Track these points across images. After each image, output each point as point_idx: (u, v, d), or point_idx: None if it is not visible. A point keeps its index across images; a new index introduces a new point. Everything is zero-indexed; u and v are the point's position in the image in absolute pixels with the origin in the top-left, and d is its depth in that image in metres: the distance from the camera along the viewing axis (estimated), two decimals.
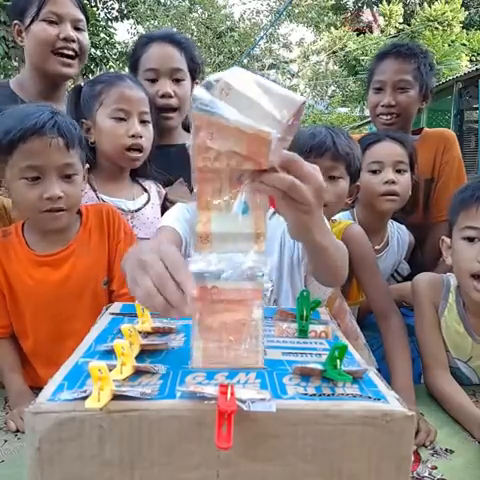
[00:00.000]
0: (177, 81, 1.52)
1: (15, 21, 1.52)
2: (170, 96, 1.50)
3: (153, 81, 1.51)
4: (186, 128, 1.64)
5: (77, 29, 1.52)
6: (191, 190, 0.71)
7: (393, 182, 1.44)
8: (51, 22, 1.47)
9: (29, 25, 1.48)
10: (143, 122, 1.35)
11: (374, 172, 1.46)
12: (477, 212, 1.09)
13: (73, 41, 1.49)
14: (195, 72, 1.58)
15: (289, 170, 0.64)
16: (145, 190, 1.43)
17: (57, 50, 1.49)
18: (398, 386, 1.10)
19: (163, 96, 1.50)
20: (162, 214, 1.43)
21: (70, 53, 1.50)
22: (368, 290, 1.33)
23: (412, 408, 1.07)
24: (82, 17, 1.54)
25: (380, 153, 1.47)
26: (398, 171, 1.46)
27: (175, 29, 16.41)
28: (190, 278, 0.58)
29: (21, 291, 1.14)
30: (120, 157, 1.34)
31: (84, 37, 1.54)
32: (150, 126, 1.38)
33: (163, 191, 1.47)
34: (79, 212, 1.19)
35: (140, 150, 1.33)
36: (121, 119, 1.32)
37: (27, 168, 1.04)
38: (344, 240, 1.30)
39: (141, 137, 1.32)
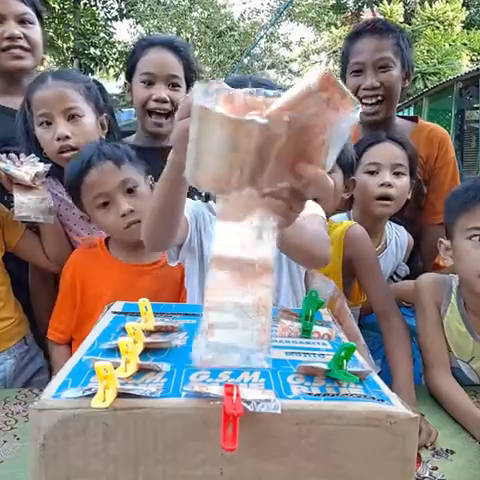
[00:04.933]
0: (173, 87, 1.53)
1: None
2: (164, 101, 1.51)
3: (149, 84, 1.51)
4: None
5: (24, 23, 1.47)
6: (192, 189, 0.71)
7: (389, 185, 1.41)
8: None
9: None
10: (72, 118, 1.32)
11: (371, 173, 1.44)
12: None
13: (19, 38, 1.46)
14: (191, 79, 1.58)
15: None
16: None
17: (4, 50, 1.46)
18: (399, 386, 1.11)
19: (157, 100, 1.50)
20: None
21: (17, 51, 1.47)
22: (369, 291, 1.33)
23: (413, 409, 1.07)
24: (27, 10, 1.48)
25: (378, 154, 1.44)
26: (396, 174, 1.44)
27: (175, 28, 16.40)
28: None
29: (96, 297, 1.22)
30: (57, 161, 1.33)
31: (33, 31, 1.50)
32: (82, 119, 1.33)
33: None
34: None
35: (72, 148, 1.30)
36: (47, 123, 1.31)
37: (94, 199, 1.20)
38: (346, 241, 1.30)
39: (68, 137, 1.30)
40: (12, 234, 1.34)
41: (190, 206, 1.07)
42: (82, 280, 1.27)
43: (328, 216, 1.29)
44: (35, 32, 1.51)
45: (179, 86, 1.54)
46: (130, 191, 1.21)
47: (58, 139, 1.29)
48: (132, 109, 2.91)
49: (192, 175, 0.56)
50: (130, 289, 1.19)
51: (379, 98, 1.55)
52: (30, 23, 1.49)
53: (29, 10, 1.49)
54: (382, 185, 1.42)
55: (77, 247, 1.37)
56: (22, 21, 1.47)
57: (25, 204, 1.24)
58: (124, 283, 1.22)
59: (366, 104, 1.56)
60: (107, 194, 1.19)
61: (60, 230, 1.37)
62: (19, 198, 1.24)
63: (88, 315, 1.22)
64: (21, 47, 1.47)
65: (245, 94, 0.54)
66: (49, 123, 1.31)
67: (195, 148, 0.54)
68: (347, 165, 1.29)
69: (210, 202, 1.15)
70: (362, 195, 1.44)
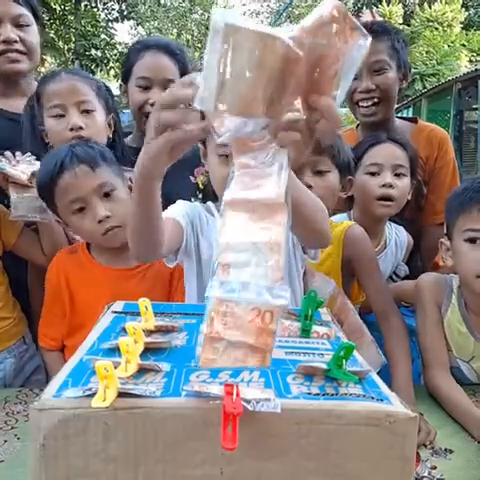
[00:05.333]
0: None
1: None
2: None
3: (145, 88, 1.52)
4: None
5: (20, 26, 1.45)
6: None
7: (390, 186, 1.42)
8: None
9: None
10: (86, 112, 1.33)
11: (372, 174, 1.44)
12: (478, 214, 1.10)
13: (15, 42, 1.43)
14: None
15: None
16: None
17: (0, 53, 1.43)
18: (398, 386, 1.11)
19: (153, 105, 1.49)
20: None
21: (14, 55, 1.45)
22: (369, 291, 1.34)
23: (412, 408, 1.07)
24: (24, 12, 1.46)
25: (379, 155, 1.45)
26: (397, 175, 1.44)
27: (175, 30, 16.41)
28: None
29: (84, 304, 1.20)
30: None
31: (30, 33, 1.48)
32: (94, 114, 1.35)
33: None
34: None
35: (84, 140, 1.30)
36: (61, 115, 1.31)
37: (69, 204, 1.15)
38: (346, 241, 1.31)
39: (81, 128, 1.30)
40: (10, 233, 1.35)
41: (185, 210, 1.07)
42: (68, 286, 1.23)
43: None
44: (32, 34, 1.48)
45: None
46: (107, 195, 1.16)
47: (71, 129, 1.29)
48: None
49: (215, 99, 0.55)
50: (117, 295, 1.15)
51: (375, 100, 1.56)
52: (26, 25, 1.47)
53: (25, 11, 1.46)
54: (383, 186, 1.42)
55: (74, 244, 1.36)
56: (18, 24, 1.45)
57: (22, 203, 1.24)
58: (110, 289, 1.18)
59: (363, 106, 1.57)
60: (83, 199, 1.15)
61: (58, 228, 1.36)
62: (15, 197, 1.24)
63: (79, 323, 1.21)
64: (17, 51, 1.45)
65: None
66: (62, 115, 1.31)
67: (217, 71, 0.54)
68: (343, 165, 1.29)
69: (209, 203, 1.15)
70: (363, 196, 1.45)
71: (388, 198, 1.43)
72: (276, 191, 0.60)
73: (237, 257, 0.59)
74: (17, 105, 1.49)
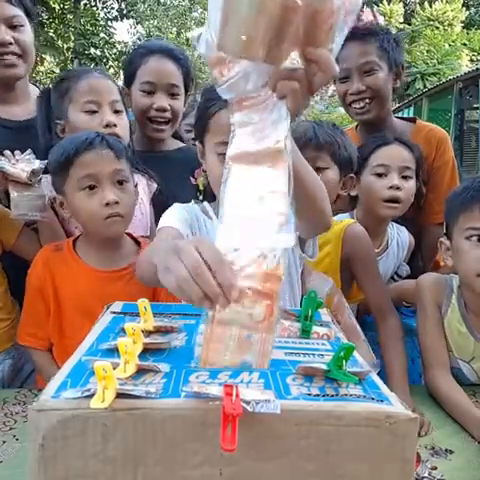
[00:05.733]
0: (172, 96, 1.55)
1: None
2: (165, 110, 1.53)
3: (149, 93, 1.53)
4: (175, 136, 1.69)
5: (14, 27, 1.42)
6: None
7: (397, 188, 1.42)
8: None
9: None
10: (116, 112, 1.35)
11: (379, 175, 1.44)
12: (479, 213, 1.10)
13: (10, 44, 1.40)
14: (188, 86, 1.62)
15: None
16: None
17: None
18: (393, 385, 1.12)
19: (158, 109, 1.52)
20: (154, 208, 1.45)
21: (9, 57, 1.42)
22: (367, 290, 1.34)
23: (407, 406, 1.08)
24: (17, 12, 1.42)
25: (387, 156, 1.44)
26: (404, 177, 1.44)
27: (175, 29, 16.40)
28: (228, 269, 0.57)
29: (69, 303, 1.19)
30: None
31: (24, 34, 1.45)
32: (123, 115, 1.38)
33: (154, 185, 1.48)
34: (138, 243, 1.27)
35: (117, 137, 1.31)
36: (93, 112, 1.33)
37: (84, 178, 1.14)
38: (345, 239, 1.30)
39: (115, 126, 1.32)
40: (9, 233, 1.34)
41: (182, 215, 1.06)
42: (53, 283, 1.21)
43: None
44: (26, 35, 1.45)
45: (179, 95, 1.56)
46: (120, 183, 1.18)
47: (106, 126, 1.31)
48: None
49: (218, 40, 0.58)
50: (102, 297, 1.08)
51: (367, 101, 1.57)
52: (20, 25, 1.44)
53: (19, 12, 1.43)
54: (391, 188, 1.42)
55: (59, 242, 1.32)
56: (12, 25, 1.41)
57: (22, 201, 1.23)
58: (95, 290, 1.17)
59: (355, 108, 1.59)
60: (97, 178, 1.15)
61: (58, 226, 1.35)
62: (15, 196, 1.23)
63: (62, 322, 1.20)
64: (13, 53, 1.42)
65: None
66: (94, 111, 1.33)
67: (221, 12, 0.56)
68: (344, 162, 1.29)
69: (205, 203, 1.14)
70: (369, 197, 1.45)
71: (395, 200, 1.43)
72: (275, 139, 0.62)
73: (241, 210, 0.62)
74: (13, 112, 1.48)
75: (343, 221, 1.35)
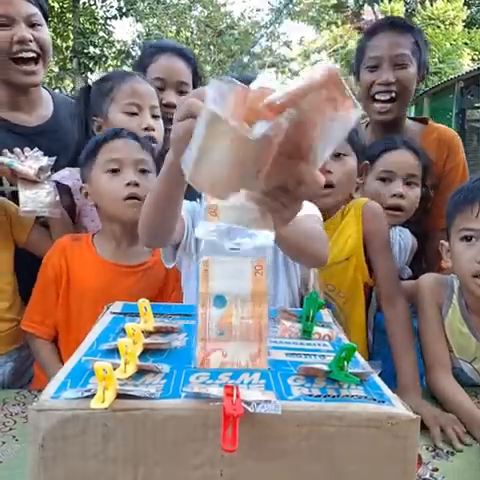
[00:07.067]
0: (181, 93, 1.57)
1: None
2: (174, 106, 1.53)
3: (159, 89, 1.54)
4: None
5: (33, 26, 1.41)
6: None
7: (401, 196, 1.40)
8: (2, 25, 1.36)
9: None
10: (154, 117, 1.40)
11: (383, 180, 1.42)
12: (472, 213, 1.10)
13: (30, 41, 1.39)
14: (196, 85, 1.63)
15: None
16: None
17: (15, 55, 1.39)
18: (405, 377, 1.13)
19: (167, 106, 1.52)
20: None
21: (30, 55, 1.40)
22: (378, 270, 1.28)
23: (419, 399, 1.09)
24: (35, 10, 1.42)
25: (393, 162, 1.42)
26: (408, 184, 1.42)
27: (174, 27, 16.39)
28: None
29: (79, 293, 1.22)
30: None
31: (43, 32, 1.44)
32: (160, 120, 1.43)
33: None
34: None
35: (153, 143, 1.36)
36: (133, 113, 1.37)
37: (109, 161, 1.21)
38: (365, 217, 1.27)
39: (153, 130, 1.37)
40: (21, 229, 1.34)
41: (186, 207, 1.06)
42: (67, 271, 1.24)
43: (341, 204, 1.28)
44: (45, 34, 1.45)
45: (187, 92, 1.57)
46: (142, 171, 1.23)
47: (146, 129, 1.35)
48: None
49: (190, 174, 0.56)
50: (112, 288, 1.18)
51: (393, 95, 1.51)
52: (39, 25, 1.43)
53: (37, 11, 1.43)
54: (394, 195, 1.40)
55: (88, 232, 1.35)
56: (31, 23, 1.41)
57: (30, 199, 1.24)
58: (105, 283, 1.21)
59: (379, 100, 1.52)
60: (122, 162, 1.21)
61: (68, 222, 1.37)
62: (24, 193, 1.24)
63: (72, 310, 1.23)
64: (32, 51, 1.41)
65: (256, 92, 0.53)
66: (135, 113, 1.37)
67: (198, 150, 0.54)
68: (360, 149, 1.27)
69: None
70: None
71: (398, 208, 1.41)
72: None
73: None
74: (26, 119, 1.48)
75: (357, 201, 1.31)
